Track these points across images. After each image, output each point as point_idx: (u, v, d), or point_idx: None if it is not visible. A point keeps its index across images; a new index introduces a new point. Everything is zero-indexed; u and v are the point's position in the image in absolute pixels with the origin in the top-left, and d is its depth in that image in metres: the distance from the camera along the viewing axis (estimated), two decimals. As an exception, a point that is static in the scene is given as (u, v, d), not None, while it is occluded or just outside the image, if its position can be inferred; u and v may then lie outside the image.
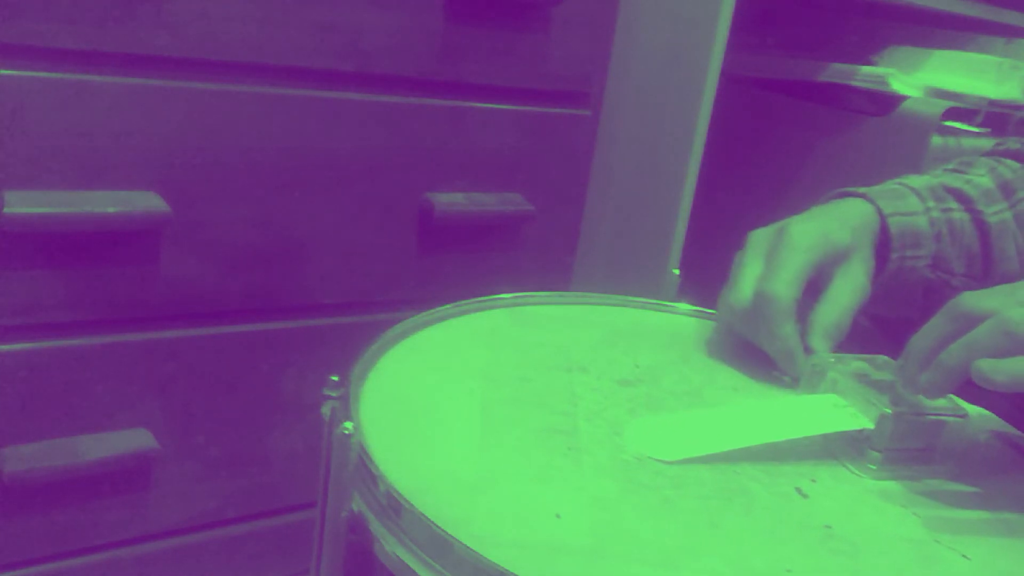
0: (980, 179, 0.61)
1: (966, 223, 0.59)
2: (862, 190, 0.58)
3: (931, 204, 0.58)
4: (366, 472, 0.37)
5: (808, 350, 0.51)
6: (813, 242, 0.52)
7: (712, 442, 0.43)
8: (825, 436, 0.46)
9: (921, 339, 0.44)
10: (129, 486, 0.78)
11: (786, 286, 0.50)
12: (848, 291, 0.53)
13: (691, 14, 1.03)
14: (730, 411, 0.48)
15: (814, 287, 0.52)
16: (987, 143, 1.26)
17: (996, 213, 0.60)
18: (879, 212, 0.56)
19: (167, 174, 0.72)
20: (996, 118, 1.27)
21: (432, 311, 0.54)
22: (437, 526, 0.33)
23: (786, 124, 1.34)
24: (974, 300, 0.42)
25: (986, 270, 0.60)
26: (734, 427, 0.45)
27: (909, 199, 0.58)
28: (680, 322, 0.61)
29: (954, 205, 0.59)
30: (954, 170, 0.63)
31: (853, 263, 0.53)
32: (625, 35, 1.11)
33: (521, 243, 0.94)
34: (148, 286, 0.74)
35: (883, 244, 0.56)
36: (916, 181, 0.60)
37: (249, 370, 0.82)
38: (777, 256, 0.51)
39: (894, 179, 0.60)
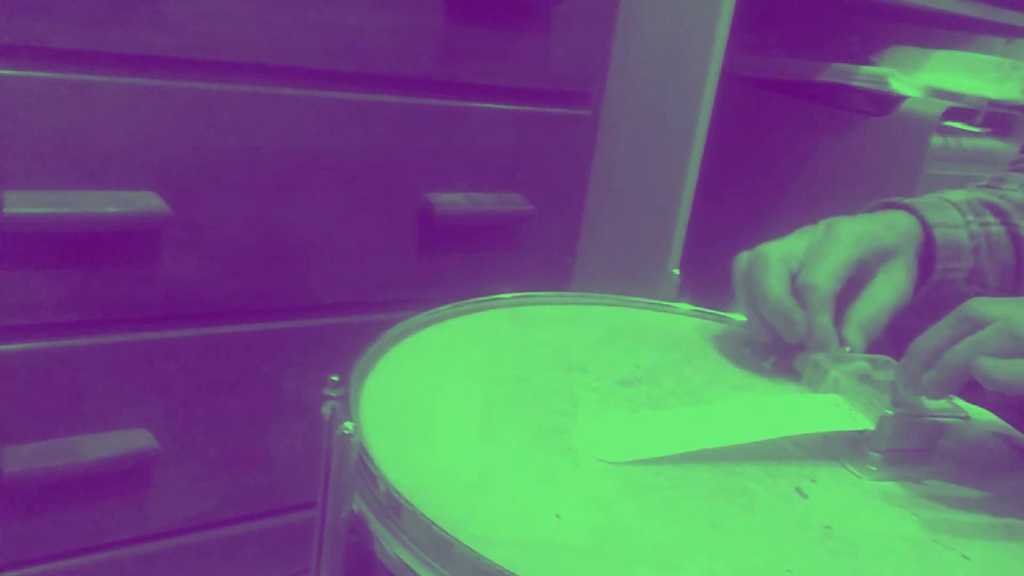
0: (1013, 194, 0.62)
1: (1002, 237, 0.60)
2: (907, 201, 0.58)
3: (970, 218, 0.59)
4: (366, 472, 0.37)
5: (842, 342, 0.51)
6: (858, 239, 0.52)
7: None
8: (826, 436, 0.46)
9: (925, 340, 0.44)
10: (129, 486, 0.78)
11: (828, 278, 0.50)
12: (888, 290, 0.53)
13: (691, 14, 1.03)
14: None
15: (856, 286, 0.53)
16: (987, 143, 1.26)
17: None
18: (924, 223, 0.56)
19: (167, 174, 0.72)
20: (996, 118, 1.27)
21: (432, 311, 0.54)
22: (437, 526, 0.33)
23: (786, 124, 1.34)
24: (983, 306, 0.42)
25: (1018, 283, 0.60)
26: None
27: (950, 212, 0.58)
28: (680, 322, 0.61)
29: (991, 219, 0.60)
30: (987, 186, 0.64)
31: (896, 265, 0.54)
32: (625, 35, 1.11)
33: (521, 243, 0.94)
34: (148, 286, 0.74)
35: (926, 256, 0.57)
36: (954, 195, 0.61)
37: (249, 370, 0.82)
38: (822, 248, 0.52)
39: (933, 193, 0.61)
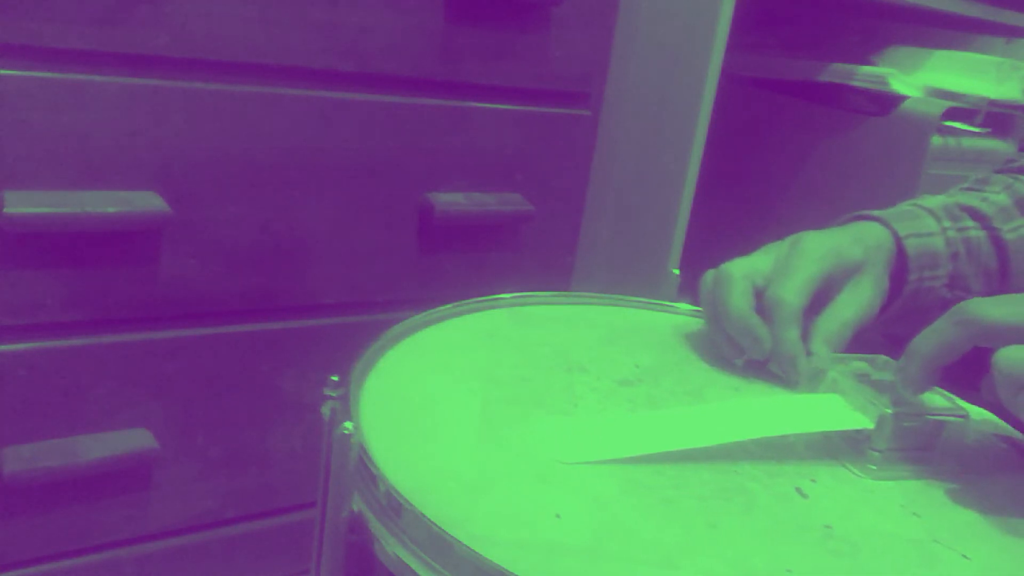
0: (996, 196, 0.62)
1: (983, 241, 0.59)
2: (877, 213, 0.58)
3: (947, 224, 0.58)
4: (366, 472, 0.37)
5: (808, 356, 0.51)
6: (824, 253, 0.52)
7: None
8: (825, 436, 0.46)
9: (924, 342, 0.43)
10: (129, 486, 0.78)
11: (795, 292, 0.50)
12: (853, 304, 0.53)
13: (691, 14, 1.03)
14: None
15: (821, 301, 0.53)
16: (987, 143, 1.26)
17: (1013, 230, 0.60)
18: (894, 235, 0.56)
19: (167, 174, 0.72)
20: (996, 118, 1.27)
21: (432, 311, 0.54)
22: (437, 526, 0.33)
23: (786, 124, 1.35)
24: (981, 308, 0.42)
25: (1003, 287, 0.60)
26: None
27: (925, 220, 0.58)
28: (680, 322, 0.61)
29: (970, 224, 0.59)
30: (970, 188, 0.64)
31: (863, 279, 0.54)
32: (625, 35, 1.11)
33: (521, 243, 0.94)
34: (148, 286, 0.74)
35: (899, 267, 0.56)
36: (931, 201, 0.60)
37: (249, 370, 0.82)
38: (789, 263, 0.52)
39: (909, 200, 0.61)
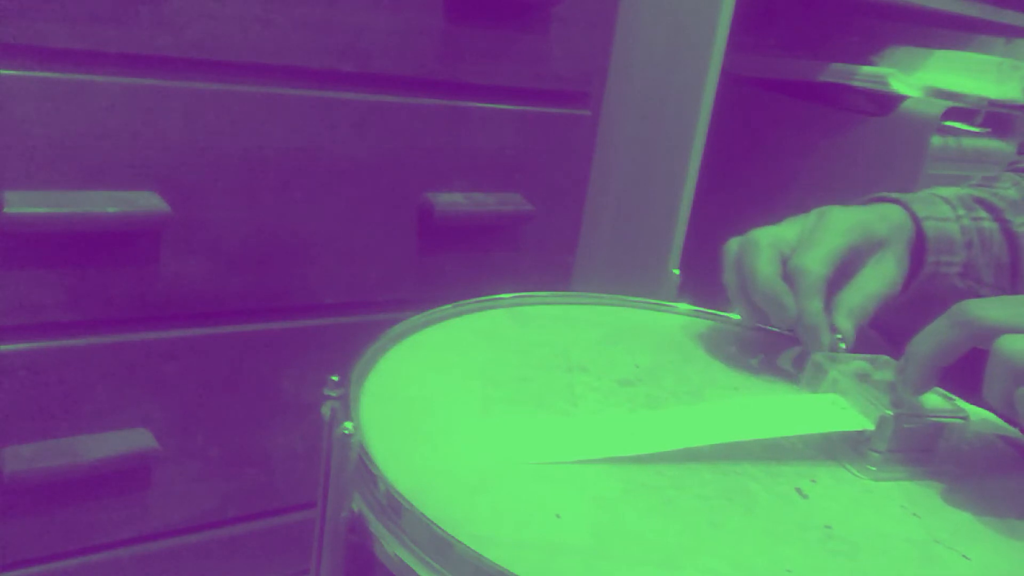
0: (1007, 191, 0.62)
1: (995, 233, 0.59)
2: (895, 195, 0.58)
3: (961, 212, 0.58)
4: (366, 472, 0.37)
5: (832, 330, 0.51)
6: (851, 227, 0.52)
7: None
8: (825, 436, 0.46)
9: (923, 343, 0.43)
10: (129, 486, 0.78)
11: (819, 262, 0.50)
12: (877, 278, 0.53)
13: (691, 14, 1.03)
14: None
15: (845, 275, 0.53)
16: (987, 143, 1.26)
17: None
18: (914, 217, 0.56)
19: (167, 174, 0.72)
20: (996, 118, 1.27)
21: (432, 311, 0.54)
22: (437, 526, 0.33)
23: (786, 124, 1.34)
24: (980, 309, 0.42)
25: (1014, 282, 0.60)
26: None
27: (940, 206, 0.58)
28: (680, 322, 0.61)
29: (984, 214, 0.59)
30: (979, 184, 0.64)
31: (886, 255, 0.54)
32: (625, 35, 1.11)
33: (521, 243, 0.94)
34: (148, 286, 0.74)
35: (917, 250, 0.56)
36: (945, 191, 0.60)
37: (249, 370, 0.82)
38: (815, 234, 0.52)
39: (924, 189, 0.61)
